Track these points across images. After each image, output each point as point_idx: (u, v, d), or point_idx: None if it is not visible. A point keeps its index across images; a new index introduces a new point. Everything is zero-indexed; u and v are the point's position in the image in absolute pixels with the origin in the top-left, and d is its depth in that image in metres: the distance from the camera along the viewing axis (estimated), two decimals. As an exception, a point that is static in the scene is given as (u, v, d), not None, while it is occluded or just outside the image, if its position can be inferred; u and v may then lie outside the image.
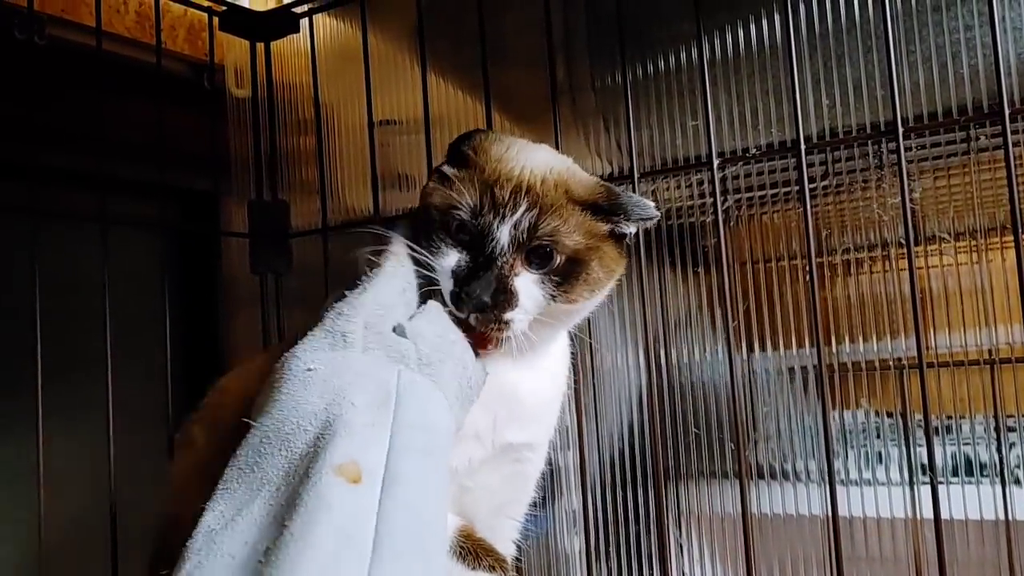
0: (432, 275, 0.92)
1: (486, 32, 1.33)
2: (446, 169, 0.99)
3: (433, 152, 1.37)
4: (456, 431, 0.86)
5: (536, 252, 0.92)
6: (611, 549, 1.42)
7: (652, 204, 0.97)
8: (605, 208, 0.96)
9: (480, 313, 0.88)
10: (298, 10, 1.64)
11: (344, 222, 1.61)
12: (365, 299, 0.87)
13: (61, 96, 1.47)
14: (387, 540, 0.70)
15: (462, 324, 0.90)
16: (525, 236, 0.91)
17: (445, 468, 0.82)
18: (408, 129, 1.58)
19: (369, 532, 0.70)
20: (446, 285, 0.90)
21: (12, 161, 1.36)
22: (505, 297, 0.89)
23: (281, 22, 1.65)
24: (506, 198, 0.92)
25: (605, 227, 0.97)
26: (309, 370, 0.80)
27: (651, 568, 1.40)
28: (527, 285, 0.91)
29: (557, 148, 1.27)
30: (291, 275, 1.65)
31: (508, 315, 0.89)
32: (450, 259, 0.92)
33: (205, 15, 1.63)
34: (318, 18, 1.64)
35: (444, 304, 0.91)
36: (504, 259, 0.90)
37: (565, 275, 0.93)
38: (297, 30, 1.65)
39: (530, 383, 1.01)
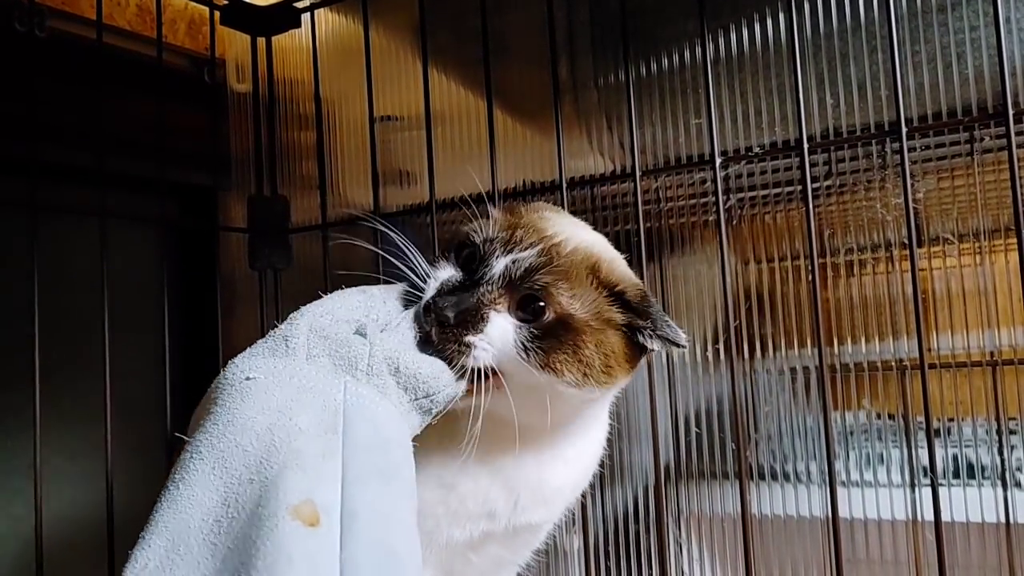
0: (424, 287, 0.88)
1: (488, 28, 1.32)
2: (492, 210, 0.96)
3: (434, 148, 1.37)
4: (412, 434, 0.81)
5: (528, 302, 0.86)
6: (610, 548, 1.42)
7: (684, 335, 0.90)
8: (632, 305, 0.90)
9: (440, 327, 0.83)
10: (299, 5, 1.63)
11: (344, 218, 1.60)
12: (314, 305, 0.83)
13: (61, 89, 1.46)
14: None
15: (428, 343, 0.84)
16: (519, 275, 0.86)
17: (407, 486, 0.76)
18: (409, 125, 1.57)
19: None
20: (429, 293, 0.86)
21: (11, 155, 1.35)
22: (472, 320, 0.84)
23: (282, 17, 1.64)
24: (520, 238, 0.88)
25: (621, 318, 0.90)
26: (248, 379, 0.74)
27: (650, 568, 1.39)
28: (503, 323, 0.85)
29: (559, 146, 1.27)
30: (290, 271, 1.65)
31: (469, 338, 0.83)
32: (443, 272, 0.89)
33: (206, 9, 1.62)
34: (320, 13, 1.63)
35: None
36: (489, 288, 0.85)
37: (549, 334, 0.86)
38: (298, 25, 1.64)
39: (561, 469, 0.97)
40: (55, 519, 1.44)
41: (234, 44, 1.75)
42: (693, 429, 1.36)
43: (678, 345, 0.90)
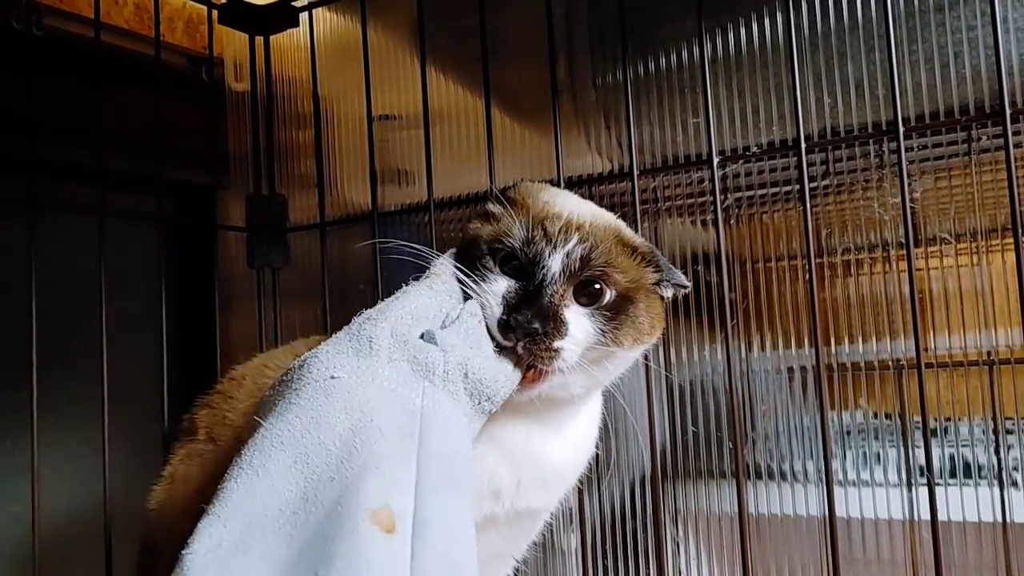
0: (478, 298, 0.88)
1: (487, 27, 1.32)
2: (491, 207, 0.97)
3: (432, 147, 1.37)
4: (472, 438, 0.82)
5: (586, 286, 0.89)
6: (607, 547, 1.42)
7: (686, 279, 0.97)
8: (649, 261, 0.95)
9: (530, 340, 0.84)
10: (298, 4, 1.63)
11: (342, 217, 1.60)
12: (395, 306, 0.82)
13: (58, 88, 1.46)
14: None
15: (509, 354, 0.85)
16: (577, 267, 0.88)
17: (470, 496, 0.77)
18: (407, 124, 1.57)
19: None
20: (494, 312, 0.86)
21: (8, 153, 1.35)
22: (555, 325, 0.85)
23: (280, 16, 1.64)
24: (557, 230, 0.89)
25: (652, 277, 0.95)
26: (332, 377, 0.75)
27: (647, 566, 1.39)
28: (577, 317, 0.88)
29: (557, 146, 1.27)
30: (288, 270, 1.65)
31: (558, 343, 0.85)
32: (498, 285, 0.88)
33: (204, 8, 1.63)
34: (318, 12, 1.63)
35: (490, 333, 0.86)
36: (554, 288, 0.87)
37: (615, 312, 0.90)
38: (296, 24, 1.65)
39: (560, 449, 0.98)
40: (52, 517, 1.44)
41: (232, 43, 1.75)
42: (690, 428, 1.37)
43: (685, 287, 0.96)
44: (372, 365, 0.77)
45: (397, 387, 0.76)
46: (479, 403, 0.82)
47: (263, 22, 1.65)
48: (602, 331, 0.88)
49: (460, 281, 0.89)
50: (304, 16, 1.63)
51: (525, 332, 0.84)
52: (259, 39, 1.66)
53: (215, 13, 1.62)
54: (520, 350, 0.84)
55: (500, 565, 1.06)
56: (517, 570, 1.09)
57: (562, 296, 0.87)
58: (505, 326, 0.84)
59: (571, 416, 0.99)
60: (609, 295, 0.90)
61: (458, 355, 0.80)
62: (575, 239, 0.89)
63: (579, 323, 0.87)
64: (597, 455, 1.05)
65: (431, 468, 0.72)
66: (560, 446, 0.98)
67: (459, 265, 0.90)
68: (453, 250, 0.96)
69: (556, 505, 1.04)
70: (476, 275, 0.89)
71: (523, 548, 1.07)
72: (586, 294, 0.89)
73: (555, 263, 0.88)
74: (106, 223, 1.35)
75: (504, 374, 0.83)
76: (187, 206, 1.82)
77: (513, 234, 0.90)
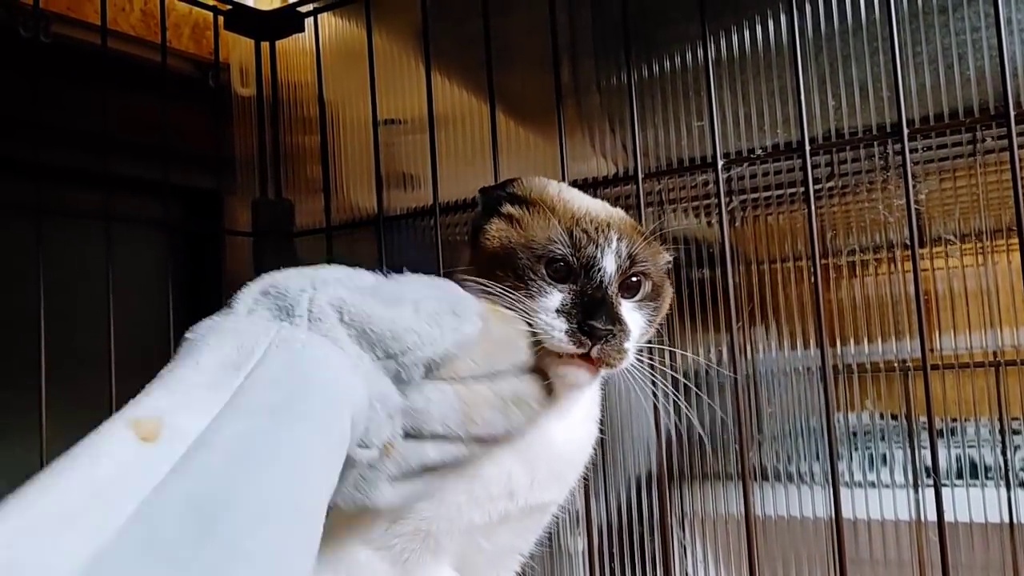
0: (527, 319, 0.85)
1: (491, 32, 1.33)
2: (509, 209, 0.95)
3: (438, 151, 1.37)
4: (391, 404, 0.71)
5: (627, 280, 0.90)
6: (614, 549, 1.42)
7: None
8: (660, 247, 0.97)
9: (604, 342, 0.84)
10: (303, 9, 1.64)
11: (348, 221, 1.61)
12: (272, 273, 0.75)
13: (65, 94, 1.47)
14: (145, 519, 0.52)
15: (579, 357, 0.85)
16: (627, 265, 0.89)
17: (314, 436, 0.63)
18: (412, 129, 1.58)
19: (127, 499, 0.53)
20: (556, 325, 0.84)
21: (16, 158, 1.36)
22: (622, 326, 0.86)
23: (286, 21, 1.65)
24: (597, 230, 0.90)
25: (665, 261, 0.98)
26: (185, 338, 0.67)
27: (654, 569, 1.39)
28: (629, 313, 0.89)
29: (562, 149, 1.28)
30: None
31: (627, 344, 0.86)
32: (552, 299, 0.86)
33: (210, 14, 1.63)
34: (323, 17, 1.64)
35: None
36: (612, 288, 0.88)
37: (652, 302, 0.93)
38: (302, 29, 1.65)
39: (568, 433, 0.97)
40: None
41: (238, 48, 1.76)
42: (696, 430, 1.37)
43: (668, 261, 1.00)
44: (227, 319, 0.69)
45: (242, 328, 0.67)
46: (377, 359, 0.69)
47: (269, 27, 1.66)
48: (647, 322, 0.92)
49: (510, 297, 0.86)
50: (310, 21, 1.64)
51: (602, 336, 0.84)
52: (265, 44, 1.66)
53: (221, 19, 1.63)
54: (595, 353, 0.84)
55: (510, 562, 1.06)
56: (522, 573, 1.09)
57: (617, 295, 0.89)
58: (577, 334, 0.84)
59: (577, 402, 0.98)
60: (647, 287, 0.92)
61: (331, 295, 0.70)
62: (615, 237, 0.89)
63: (632, 318, 0.90)
64: (600, 449, 1.05)
65: (247, 394, 0.61)
66: (569, 429, 0.98)
67: (489, 284, 0.87)
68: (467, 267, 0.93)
69: (566, 496, 1.03)
70: (531, 288, 0.87)
71: (532, 543, 1.07)
72: (627, 288, 0.91)
73: (609, 264, 0.88)
74: (112, 228, 1.36)
75: (415, 332, 0.71)
76: (193, 211, 1.83)
77: (555, 238, 0.89)
